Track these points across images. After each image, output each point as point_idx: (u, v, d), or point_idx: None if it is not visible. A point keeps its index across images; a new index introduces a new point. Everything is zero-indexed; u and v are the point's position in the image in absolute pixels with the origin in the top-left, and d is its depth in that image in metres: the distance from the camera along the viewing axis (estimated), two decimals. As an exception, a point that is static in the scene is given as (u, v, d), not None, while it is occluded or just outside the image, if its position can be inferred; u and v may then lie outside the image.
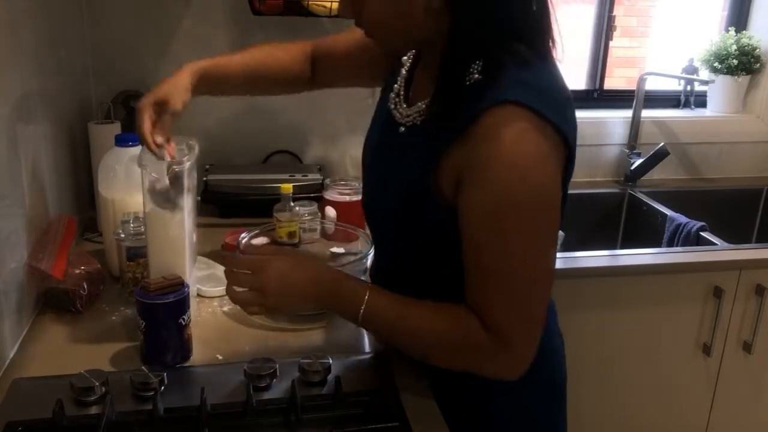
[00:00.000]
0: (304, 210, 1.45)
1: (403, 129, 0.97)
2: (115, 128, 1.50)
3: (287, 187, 1.41)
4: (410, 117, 0.96)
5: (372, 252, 1.22)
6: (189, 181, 1.08)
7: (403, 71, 1.02)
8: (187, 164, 1.06)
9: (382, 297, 0.93)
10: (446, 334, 0.90)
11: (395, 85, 1.02)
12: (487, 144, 0.82)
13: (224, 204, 1.65)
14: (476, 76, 0.85)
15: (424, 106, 0.93)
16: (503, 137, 0.82)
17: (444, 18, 0.84)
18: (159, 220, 1.06)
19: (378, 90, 1.95)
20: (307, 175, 1.68)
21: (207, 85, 1.16)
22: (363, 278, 1.21)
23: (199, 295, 1.24)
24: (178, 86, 1.10)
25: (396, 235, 1.02)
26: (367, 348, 1.11)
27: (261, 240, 1.32)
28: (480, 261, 0.87)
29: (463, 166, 0.85)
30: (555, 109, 0.84)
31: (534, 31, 0.87)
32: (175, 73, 1.12)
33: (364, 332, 1.15)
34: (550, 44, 0.90)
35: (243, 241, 1.25)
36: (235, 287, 0.94)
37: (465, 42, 0.85)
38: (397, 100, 1.00)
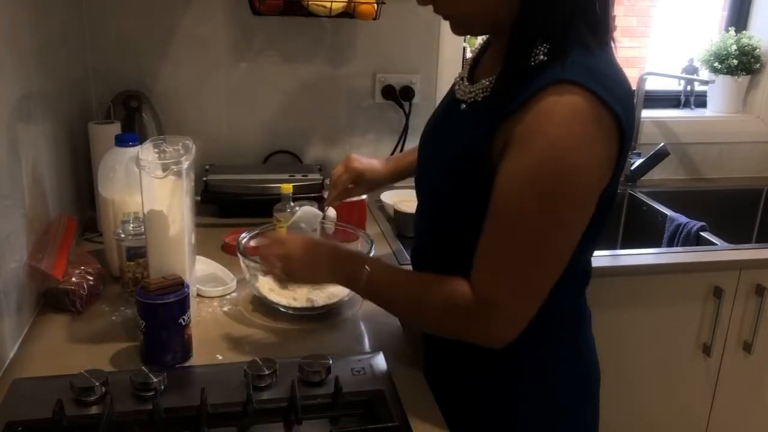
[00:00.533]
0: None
1: (464, 106, 0.99)
2: (115, 128, 1.50)
3: (287, 187, 1.41)
4: (472, 94, 0.98)
5: (372, 252, 1.22)
6: (187, 182, 1.08)
7: (470, 54, 1.08)
8: (185, 164, 1.06)
9: (382, 265, 1.02)
10: (436, 296, 0.94)
11: (464, 65, 1.07)
12: (538, 117, 0.84)
13: (224, 204, 1.65)
14: (542, 57, 0.87)
15: (487, 83, 0.95)
16: (554, 112, 0.83)
17: (516, 1, 0.87)
18: (159, 220, 1.06)
19: (378, 92, 1.96)
20: (307, 175, 1.68)
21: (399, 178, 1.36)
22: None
23: (199, 295, 1.24)
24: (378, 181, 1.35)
25: (444, 209, 1.01)
26: (367, 348, 1.11)
27: (262, 240, 1.32)
28: (494, 227, 0.88)
29: (511, 135, 0.87)
30: (615, 95, 0.85)
31: (598, 19, 0.90)
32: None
33: (364, 332, 1.16)
34: (610, 34, 0.92)
35: (243, 241, 1.25)
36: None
37: (533, 23, 0.88)
38: (461, 80, 1.04)
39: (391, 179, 1.35)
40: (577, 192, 0.86)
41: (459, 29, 0.99)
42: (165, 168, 1.03)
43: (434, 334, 1.04)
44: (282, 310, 1.18)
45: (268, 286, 1.20)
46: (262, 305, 1.20)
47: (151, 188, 1.04)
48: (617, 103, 0.85)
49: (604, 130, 0.85)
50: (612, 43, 0.93)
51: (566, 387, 1.08)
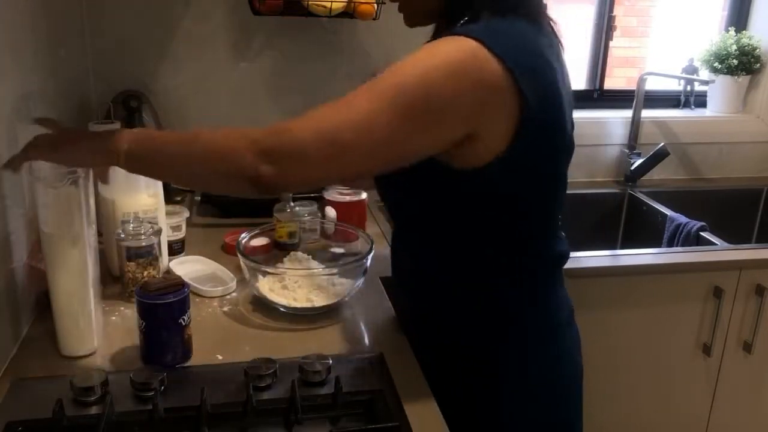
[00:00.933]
0: (303, 210, 1.46)
1: None
2: (115, 128, 1.49)
3: (287, 187, 1.41)
4: None
5: (372, 252, 1.22)
6: (84, 194, 0.97)
7: None
8: (82, 175, 0.96)
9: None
10: (215, 134, 0.93)
11: None
12: (422, 50, 0.88)
13: (224, 204, 1.65)
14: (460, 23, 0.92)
15: None
16: (436, 48, 0.87)
17: None
18: (58, 243, 0.98)
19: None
20: (307, 175, 1.68)
21: None
22: (362, 279, 1.21)
23: (198, 295, 1.24)
24: None
25: (402, 205, 1.05)
26: (367, 348, 1.11)
27: (261, 240, 1.32)
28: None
29: None
30: (509, 49, 0.86)
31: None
32: None
33: (364, 332, 1.16)
34: (540, 9, 0.96)
35: (243, 242, 1.25)
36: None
37: (457, 5, 0.93)
38: None
39: None
40: (427, 112, 0.85)
41: (407, 20, 1.05)
42: (61, 178, 0.95)
43: (205, 185, 1.01)
44: (282, 310, 1.18)
45: (268, 287, 1.20)
46: (262, 305, 1.20)
47: (47, 201, 0.96)
48: (507, 52, 0.85)
49: (486, 78, 0.85)
50: (545, 23, 0.97)
51: (547, 386, 1.09)
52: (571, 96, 1.02)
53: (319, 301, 1.18)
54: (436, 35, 1.03)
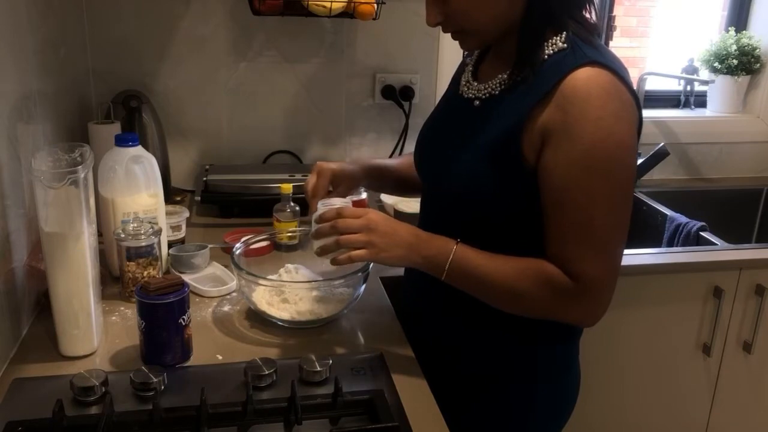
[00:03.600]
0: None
1: (477, 103, 1.02)
2: (115, 128, 1.50)
3: (287, 187, 1.41)
4: (486, 90, 1.01)
5: (372, 263, 1.18)
6: (84, 193, 0.98)
7: (469, 60, 1.10)
8: (83, 173, 0.96)
9: (468, 250, 0.97)
10: (533, 285, 0.94)
11: (466, 68, 1.09)
12: (575, 102, 0.89)
13: (224, 204, 1.65)
14: (553, 48, 0.93)
15: (505, 76, 0.98)
16: (590, 94, 0.88)
17: (519, 4, 0.93)
18: (57, 237, 0.98)
19: (378, 92, 1.96)
20: (307, 175, 1.67)
21: (372, 179, 1.27)
22: (363, 287, 1.19)
23: (199, 295, 1.24)
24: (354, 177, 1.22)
25: (473, 206, 1.01)
26: (367, 348, 1.11)
27: (261, 243, 1.30)
28: (565, 215, 0.92)
29: (549, 126, 0.90)
30: (626, 74, 0.93)
31: (589, 16, 0.97)
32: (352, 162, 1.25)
33: (364, 332, 1.15)
34: (599, 30, 0.99)
35: (237, 252, 1.21)
36: (343, 235, 0.97)
37: (540, 18, 0.93)
38: (467, 80, 1.07)
39: (365, 175, 1.24)
40: (631, 161, 0.92)
41: (471, 42, 1.00)
42: (61, 178, 0.94)
43: (526, 316, 1.01)
44: (285, 325, 1.14)
45: (265, 301, 1.15)
46: (262, 305, 1.20)
47: (47, 200, 0.95)
48: (628, 78, 0.92)
49: (627, 106, 0.91)
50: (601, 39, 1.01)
51: (558, 388, 1.11)
52: None
53: (322, 313, 1.14)
54: (492, 52, 1.05)
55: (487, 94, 1.00)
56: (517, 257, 0.96)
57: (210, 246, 1.35)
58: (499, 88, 0.98)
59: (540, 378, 1.08)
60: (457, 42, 1.01)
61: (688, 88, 2.32)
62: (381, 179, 1.28)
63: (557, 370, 1.09)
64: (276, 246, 1.34)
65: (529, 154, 0.93)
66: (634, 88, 0.95)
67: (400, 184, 1.29)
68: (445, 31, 0.99)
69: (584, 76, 0.89)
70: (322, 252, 0.99)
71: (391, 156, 1.91)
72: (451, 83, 1.15)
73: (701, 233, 1.81)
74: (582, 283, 0.92)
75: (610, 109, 0.88)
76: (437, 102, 1.20)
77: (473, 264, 0.96)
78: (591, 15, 0.98)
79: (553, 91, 0.90)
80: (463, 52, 1.13)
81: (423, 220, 1.13)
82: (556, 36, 0.93)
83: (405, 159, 1.28)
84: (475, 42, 1.00)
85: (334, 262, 0.98)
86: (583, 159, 0.89)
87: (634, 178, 0.94)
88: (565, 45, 0.93)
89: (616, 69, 0.90)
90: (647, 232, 2.01)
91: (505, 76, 0.97)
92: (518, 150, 0.93)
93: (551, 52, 0.93)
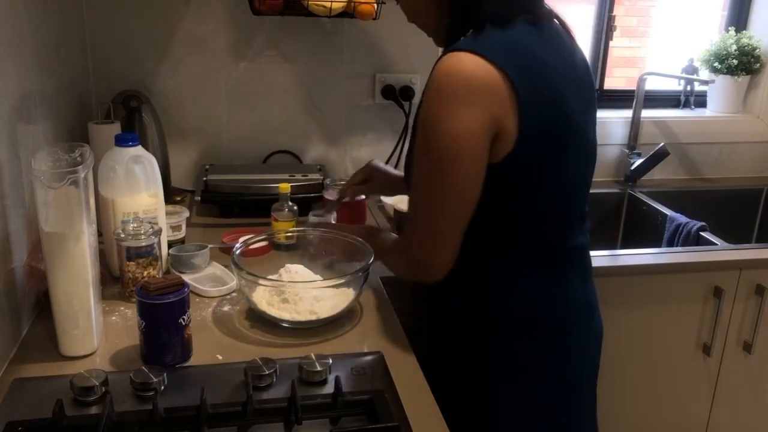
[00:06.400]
0: (316, 218, 1.45)
1: None
2: (115, 128, 1.50)
3: (285, 187, 1.41)
4: None
5: (372, 260, 1.19)
6: (84, 193, 0.98)
7: None
8: (83, 173, 0.96)
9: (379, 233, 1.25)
10: (393, 258, 1.17)
11: None
12: (427, 84, 0.96)
13: (224, 204, 1.65)
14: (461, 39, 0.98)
15: None
16: (433, 78, 0.95)
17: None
18: (57, 237, 0.98)
19: (378, 92, 1.96)
20: (307, 175, 1.68)
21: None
22: (363, 287, 1.19)
23: (199, 295, 1.24)
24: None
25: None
26: (367, 348, 1.11)
27: (259, 243, 1.30)
28: (411, 195, 1.06)
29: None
30: (507, 57, 0.93)
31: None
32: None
33: (364, 332, 1.15)
34: (539, 12, 1.01)
35: (237, 252, 1.20)
36: None
37: (460, 14, 1.00)
38: None
39: (400, 179, 1.35)
40: (452, 152, 0.95)
41: (423, 29, 1.12)
42: (61, 178, 0.94)
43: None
44: (285, 325, 1.14)
45: (265, 301, 1.16)
46: (262, 305, 1.20)
47: (47, 200, 0.95)
48: (509, 64, 0.92)
49: (486, 87, 0.91)
50: (546, 25, 1.01)
51: (550, 387, 1.10)
52: (586, 95, 1.03)
53: (322, 313, 1.14)
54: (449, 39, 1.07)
55: None
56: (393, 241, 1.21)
57: (210, 246, 1.35)
58: None
59: (536, 376, 1.07)
60: None
61: (688, 88, 2.32)
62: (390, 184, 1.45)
63: (553, 367, 1.09)
64: (275, 246, 1.34)
65: None
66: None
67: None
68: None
69: (443, 60, 0.94)
70: None
71: (389, 158, 1.91)
72: None
73: (701, 233, 1.81)
74: (400, 240, 1.14)
75: (444, 96, 0.93)
76: None
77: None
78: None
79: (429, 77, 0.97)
80: None
81: None
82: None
83: None
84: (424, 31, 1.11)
85: None
86: (419, 143, 0.99)
87: (467, 165, 0.96)
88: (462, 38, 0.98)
89: (478, 51, 0.92)
90: (647, 232, 2.01)
91: None
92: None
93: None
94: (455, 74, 0.92)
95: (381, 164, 1.46)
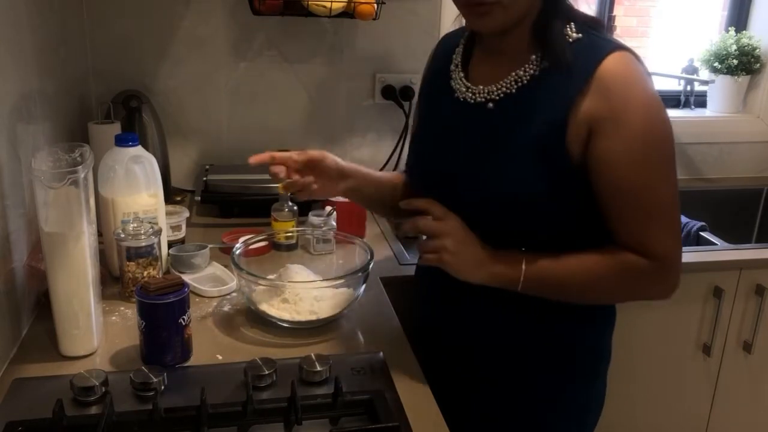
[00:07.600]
0: (318, 220, 1.45)
1: (491, 105, 0.99)
2: (115, 128, 1.50)
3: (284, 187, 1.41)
4: (500, 90, 0.98)
5: (372, 262, 1.18)
6: (84, 193, 0.97)
7: (453, 66, 1.06)
8: (83, 173, 0.96)
9: (537, 258, 0.98)
10: (612, 277, 0.97)
11: (455, 75, 1.05)
12: (617, 88, 0.90)
13: (224, 204, 1.65)
14: (574, 35, 0.94)
15: (521, 72, 0.96)
16: (629, 78, 0.92)
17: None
18: (57, 237, 0.98)
19: (378, 92, 1.95)
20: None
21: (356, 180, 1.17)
22: (363, 287, 1.19)
23: (199, 295, 1.24)
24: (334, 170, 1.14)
25: (519, 212, 0.98)
26: (367, 348, 1.11)
27: (259, 243, 1.30)
28: (631, 200, 0.93)
29: (595, 114, 0.91)
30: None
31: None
32: None
33: (364, 332, 1.15)
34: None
35: (237, 252, 1.20)
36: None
37: (553, 9, 0.94)
38: (463, 85, 1.03)
39: (348, 173, 1.15)
40: (672, 140, 0.97)
41: (498, 17, 0.92)
42: (61, 178, 0.94)
43: (604, 303, 1.09)
44: (285, 326, 1.14)
45: (265, 301, 1.15)
46: (262, 305, 1.20)
47: (47, 200, 0.95)
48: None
49: (653, 86, 0.95)
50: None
51: (549, 387, 1.10)
52: None
53: (322, 313, 1.14)
54: (478, 51, 1.04)
55: (502, 95, 0.97)
56: (585, 253, 0.97)
57: (210, 246, 1.35)
58: (515, 86, 0.96)
59: (539, 377, 1.08)
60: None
61: (688, 88, 2.31)
62: (359, 187, 1.17)
63: (554, 367, 1.09)
64: (275, 246, 1.34)
65: (574, 147, 0.92)
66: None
67: (377, 200, 1.21)
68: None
69: (617, 62, 0.91)
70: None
71: (389, 158, 1.91)
72: (433, 92, 1.10)
73: (701, 233, 1.81)
74: (660, 261, 0.95)
75: (651, 91, 0.93)
76: (417, 114, 1.17)
77: (547, 272, 0.97)
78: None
79: (590, 79, 0.90)
80: (431, 57, 1.15)
81: None
82: (567, 26, 0.95)
83: (389, 176, 1.23)
84: (500, 19, 0.92)
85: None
86: (642, 143, 0.92)
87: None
88: (579, 35, 0.94)
89: (633, 52, 0.94)
90: (647, 232, 2.01)
91: (521, 72, 0.96)
92: (563, 143, 0.92)
93: (570, 41, 0.94)
94: (646, 75, 0.95)
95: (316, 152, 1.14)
